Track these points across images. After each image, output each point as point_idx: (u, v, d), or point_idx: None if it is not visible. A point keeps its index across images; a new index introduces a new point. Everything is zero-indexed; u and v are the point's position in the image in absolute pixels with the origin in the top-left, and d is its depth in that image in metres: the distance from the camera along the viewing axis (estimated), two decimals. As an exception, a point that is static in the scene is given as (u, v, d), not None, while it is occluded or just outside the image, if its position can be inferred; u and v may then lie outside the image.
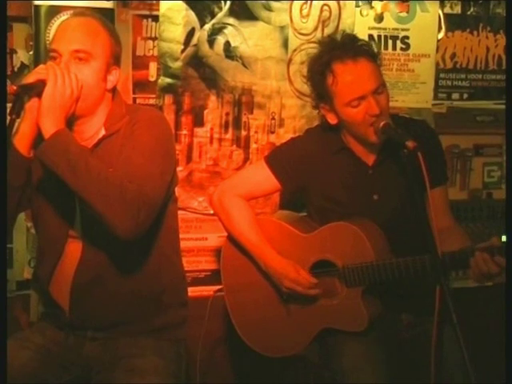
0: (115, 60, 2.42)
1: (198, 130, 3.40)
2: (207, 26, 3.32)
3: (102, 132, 2.40)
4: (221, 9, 3.34)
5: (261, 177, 2.88)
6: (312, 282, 2.71)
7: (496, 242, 2.42)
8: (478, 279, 2.45)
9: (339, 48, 2.66)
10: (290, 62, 3.47)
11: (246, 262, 2.88)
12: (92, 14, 2.51)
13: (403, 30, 3.64)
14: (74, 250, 2.42)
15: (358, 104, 2.62)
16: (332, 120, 2.75)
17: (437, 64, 3.74)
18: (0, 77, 2.80)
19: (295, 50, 3.47)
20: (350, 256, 2.65)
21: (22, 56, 3.24)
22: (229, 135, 3.45)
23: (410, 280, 2.59)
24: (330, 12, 3.49)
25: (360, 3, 3.55)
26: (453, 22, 3.73)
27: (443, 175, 2.89)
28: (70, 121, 2.31)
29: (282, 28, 3.44)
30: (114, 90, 2.46)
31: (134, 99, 3.31)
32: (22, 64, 3.23)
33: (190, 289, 2.71)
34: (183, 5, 3.26)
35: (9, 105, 2.20)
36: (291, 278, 2.71)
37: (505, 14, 3.68)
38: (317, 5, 3.47)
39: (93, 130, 2.40)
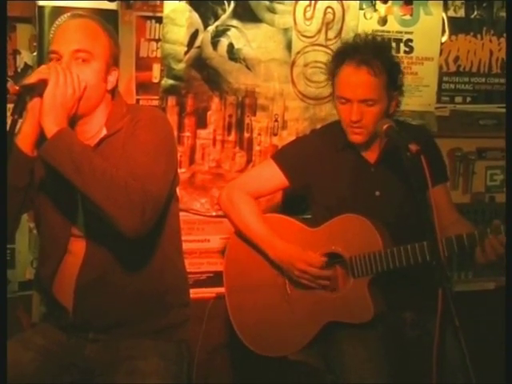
0: (114, 61, 2.41)
1: (201, 132, 3.41)
2: (211, 28, 3.33)
3: (104, 132, 2.40)
4: (224, 11, 3.34)
5: (269, 174, 2.93)
6: (323, 261, 2.75)
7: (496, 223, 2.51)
8: (486, 261, 2.53)
9: (358, 48, 2.73)
10: (293, 64, 3.48)
11: (249, 263, 2.91)
12: (90, 15, 2.51)
13: (407, 32, 3.64)
14: (77, 249, 2.41)
15: (345, 103, 2.72)
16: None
17: (440, 67, 3.74)
18: (0, 77, 2.81)
19: (298, 53, 3.47)
20: (358, 246, 2.69)
21: (25, 57, 3.24)
22: (232, 137, 3.45)
23: (415, 277, 2.64)
24: (334, 14, 3.49)
25: (364, 6, 3.55)
26: (456, 26, 3.73)
27: (443, 174, 2.96)
28: (72, 122, 2.29)
29: (286, 30, 3.44)
30: (113, 91, 2.45)
31: (138, 100, 3.31)
32: (26, 65, 3.24)
33: (191, 290, 2.70)
34: (187, 6, 3.27)
35: (11, 105, 2.20)
36: (303, 258, 2.75)
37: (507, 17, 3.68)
38: (320, 7, 3.47)
39: (94, 130, 2.40)
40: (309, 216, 3.09)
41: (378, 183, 2.82)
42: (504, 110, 3.68)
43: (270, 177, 2.93)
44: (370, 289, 2.68)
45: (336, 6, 3.50)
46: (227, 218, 2.99)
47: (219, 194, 3.04)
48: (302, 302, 2.80)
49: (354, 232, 2.71)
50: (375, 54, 2.72)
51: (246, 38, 3.39)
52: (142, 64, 3.31)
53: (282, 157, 2.94)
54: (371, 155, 2.84)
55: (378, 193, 2.82)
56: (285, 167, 2.90)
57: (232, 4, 3.34)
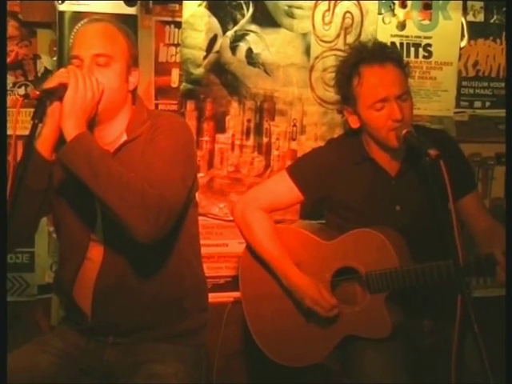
0: (134, 61, 2.43)
1: (220, 137, 3.41)
2: (230, 33, 3.34)
3: (124, 137, 2.41)
4: (243, 16, 3.34)
5: (284, 188, 2.86)
6: (333, 304, 2.69)
7: None
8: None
9: (368, 52, 2.67)
10: (311, 69, 3.48)
11: (264, 272, 2.86)
12: (108, 19, 2.54)
13: (426, 37, 3.63)
14: (96, 254, 2.42)
15: (382, 107, 2.62)
16: (354, 124, 2.75)
17: (459, 72, 3.72)
18: (0, 77, 2.82)
19: (317, 57, 3.47)
20: (374, 262, 2.64)
21: (45, 61, 3.26)
22: (250, 142, 3.45)
23: (433, 286, 2.58)
24: (353, 19, 3.48)
25: (382, 11, 3.55)
26: (475, 30, 3.71)
27: (471, 183, 2.88)
28: (92, 126, 2.31)
29: (305, 35, 3.44)
30: (134, 94, 2.47)
31: (156, 105, 3.33)
32: (46, 69, 3.26)
33: (210, 295, 2.70)
34: (206, 11, 3.28)
35: (24, 110, 2.20)
36: (313, 298, 2.70)
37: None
38: (339, 12, 3.47)
39: (114, 134, 2.41)
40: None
41: (398, 197, 2.74)
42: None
43: (285, 191, 2.86)
44: (387, 304, 2.65)
45: (355, 10, 3.49)
46: (241, 234, 2.92)
47: (232, 208, 2.99)
48: (319, 316, 2.75)
49: (370, 248, 2.65)
50: (384, 51, 2.69)
51: (265, 43, 3.39)
52: (161, 69, 3.33)
53: (297, 171, 2.85)
54: (392, 167, 2.76)
55: (398, 207, 2.74)
56: (300, 182, 2.82)
57: (251, 9, 3.35)
